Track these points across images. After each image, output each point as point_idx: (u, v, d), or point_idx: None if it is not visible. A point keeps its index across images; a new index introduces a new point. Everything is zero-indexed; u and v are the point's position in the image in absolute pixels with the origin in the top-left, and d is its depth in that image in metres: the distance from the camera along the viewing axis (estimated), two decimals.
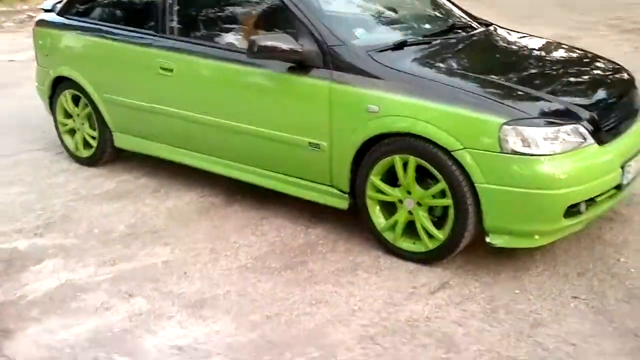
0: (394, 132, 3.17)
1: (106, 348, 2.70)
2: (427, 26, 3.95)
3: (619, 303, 2.92)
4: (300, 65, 3.41)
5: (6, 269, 3.36)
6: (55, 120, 4.92)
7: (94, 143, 4.67)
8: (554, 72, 3.57)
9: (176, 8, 4.05)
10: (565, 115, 3.04)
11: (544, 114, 3.03)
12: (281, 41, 3.37)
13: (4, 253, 3.52)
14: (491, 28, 4.12)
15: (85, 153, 4.76)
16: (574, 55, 3.96)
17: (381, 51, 3.39)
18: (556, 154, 2.94)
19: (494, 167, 2.96)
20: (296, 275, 3.22)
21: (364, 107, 3.23)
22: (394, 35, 3.66)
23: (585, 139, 3.02)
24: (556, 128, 2.96)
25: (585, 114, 3.07)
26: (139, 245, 3.56)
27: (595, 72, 3.73)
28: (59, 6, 4.86)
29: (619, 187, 3.19)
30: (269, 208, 3.93)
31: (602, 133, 3.10)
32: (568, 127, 2.99)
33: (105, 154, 4.66)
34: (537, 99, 3.13)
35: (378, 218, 3.36)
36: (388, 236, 3.35)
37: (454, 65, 3.42)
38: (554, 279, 3.12)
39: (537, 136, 2.92)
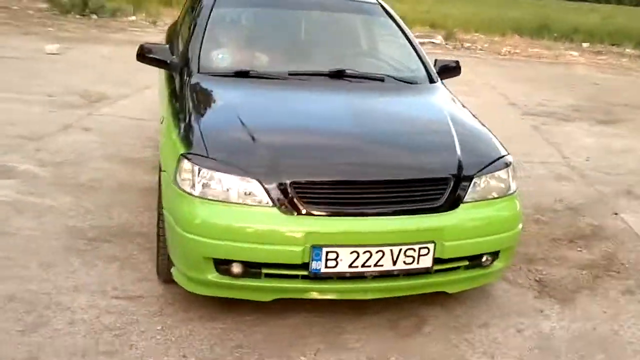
0: None
1: None
2: (317, 66, 3.77)
3: None
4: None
5: None
6: None
7: None
8: (349, 137, 3.16)
9: None
10: (251, 169, 2.79)
11: (227, 159, 2.83)
12: (158, 51, 3.82)
13: None
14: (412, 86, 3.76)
15: None
16: (426, 125, 3.41)
17: (215, 75, 3.55)
18: (206, 200, 2.77)
19: (168, 194, 2.95)
20: (79, 246, 3.66)
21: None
22: (257, 65, 3.69)
23: (262, 199, 2.75)
24: (219, 174, 2.78)
25: (277, 176, 2.76)
26: (73, 198, 4.39)
27: (394, 149, 3.13)
28: None
29: (307, 270, 2.75)
30: None
31: (299, 203, 2.74)
32: (235, 178, 2.77)
33: None
34: (245, 145, 2.91)
35: None
36: None
37: (249, 101, 3.38)
38: (212, 336, 2.91)
39: (197, 176, 2.80)
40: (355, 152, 3.01)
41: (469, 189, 2.96)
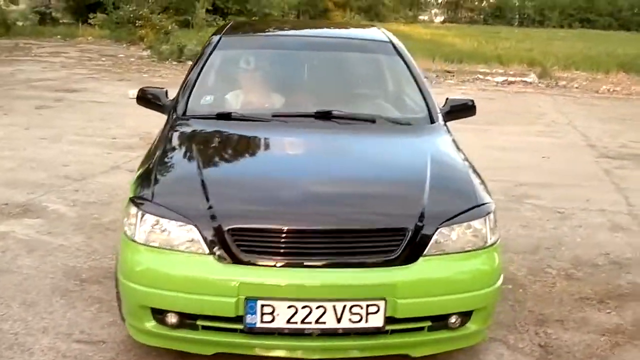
0: None
1: None
2: (306, 107, 3.60)
3: None
4: None
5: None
6: None
7: None
8: (304, 184, 2.93)
9: None
10: (191, 215, 2.66)
11: (170, 204, 2.71)
12: (155, 95, 3.84)
13: (25, 203, 4.99)
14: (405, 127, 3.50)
15: None
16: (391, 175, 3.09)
17: (198, 118, 3.51)
18: (147, 246, 2.67)
19: (122, 239, 2.88)
20: (68, 287, 3.69)
21: None
22: (242, 107, 3.61)
23: (200, 246, 2.61)
24: (162, 219, 2.68)
25: (214, 222, 2.61)
26: (85, 238, 4.53)
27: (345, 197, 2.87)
28: None
29: (240, 323, 2.57)
30: None
31: (235, 251, 2.58)
32: (175, 224, 2.65)
33: None
34: (192, 191, 2.78)
35: None
36: None
37: (217, 145, 3.31)
38: None
39: (140, 220, 2.72)
40: (303, 200, 2.79)
41: (432, 241, 2.66)
